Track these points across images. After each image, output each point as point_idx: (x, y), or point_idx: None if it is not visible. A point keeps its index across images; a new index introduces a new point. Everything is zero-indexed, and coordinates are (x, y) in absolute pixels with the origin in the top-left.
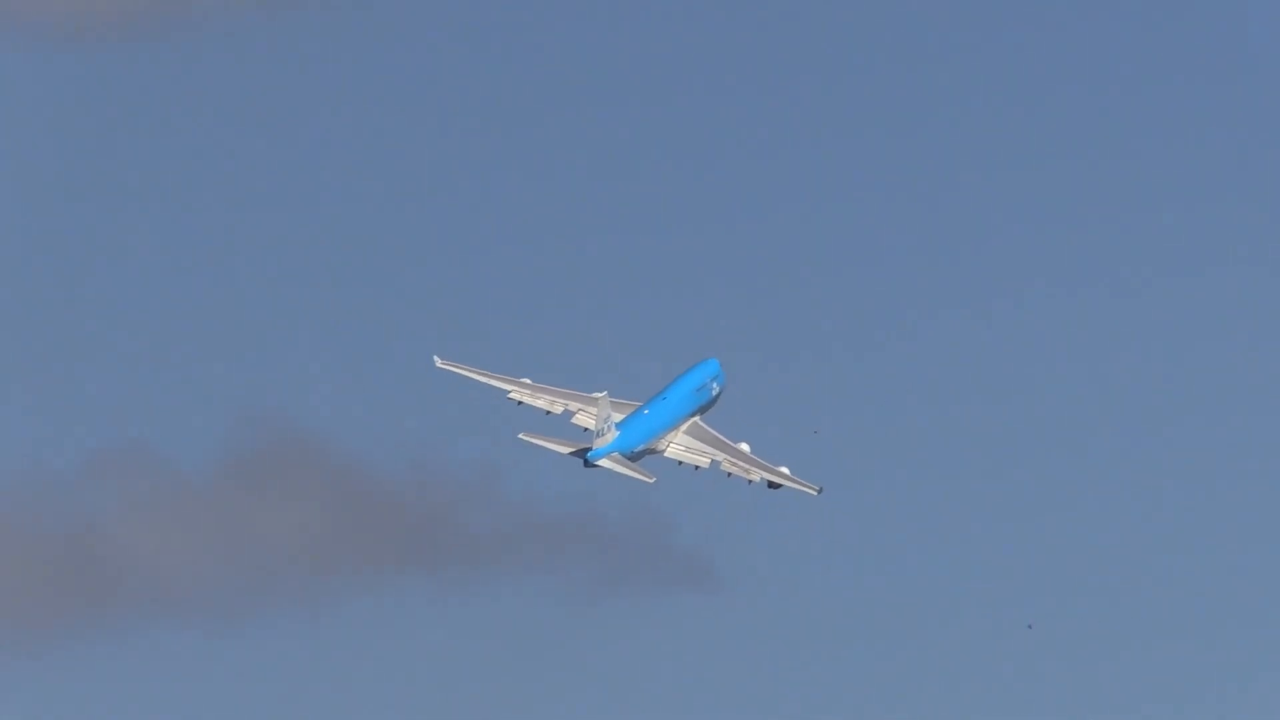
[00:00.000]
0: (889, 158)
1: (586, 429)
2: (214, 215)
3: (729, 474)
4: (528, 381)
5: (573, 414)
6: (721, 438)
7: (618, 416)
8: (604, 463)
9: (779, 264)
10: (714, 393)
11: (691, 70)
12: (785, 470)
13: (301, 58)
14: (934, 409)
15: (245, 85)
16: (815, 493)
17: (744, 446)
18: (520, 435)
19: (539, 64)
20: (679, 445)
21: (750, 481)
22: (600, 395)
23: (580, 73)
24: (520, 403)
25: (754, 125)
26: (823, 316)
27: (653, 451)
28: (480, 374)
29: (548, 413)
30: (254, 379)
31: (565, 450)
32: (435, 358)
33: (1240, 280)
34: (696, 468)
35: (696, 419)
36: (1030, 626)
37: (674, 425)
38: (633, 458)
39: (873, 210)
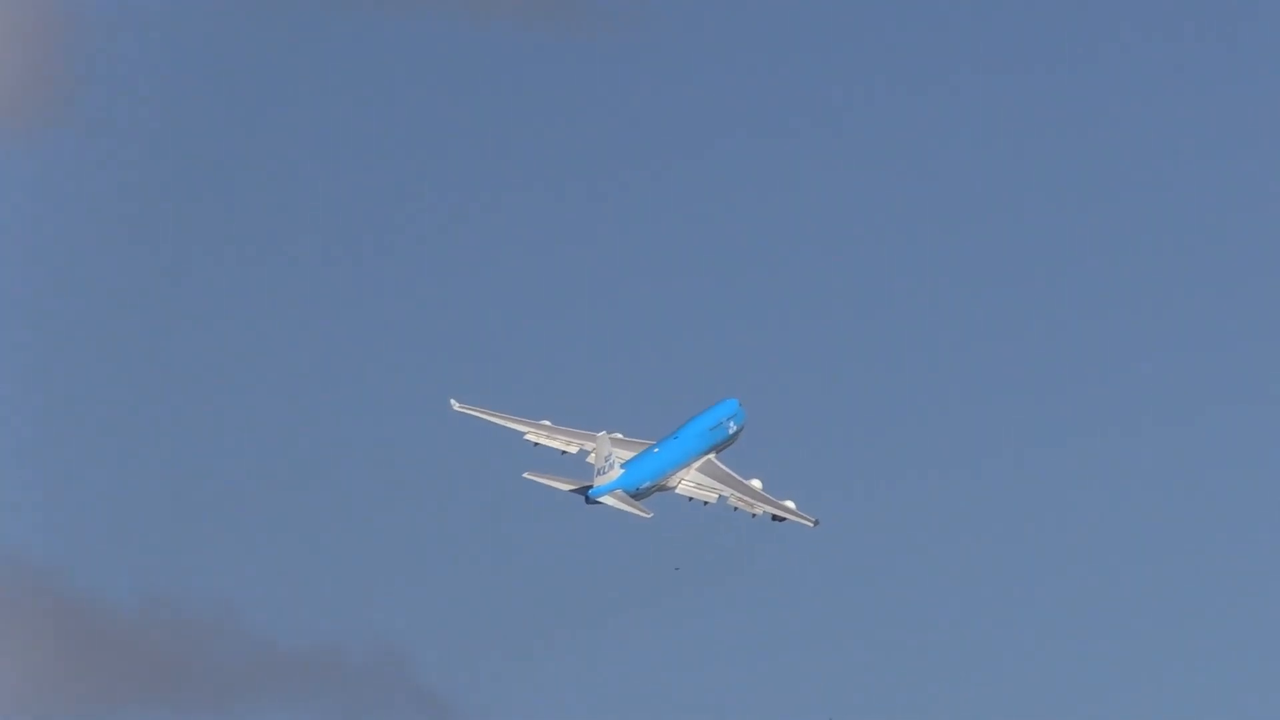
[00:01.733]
0: (912, 188)
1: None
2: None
3: (735, 508)
4: (547, 423)
5: (588, 454)
6: (733, 474)
7: (628, 454)
8: (605, 500)
9: (809, 303)
10: (730, 431)
11: (714, 113)
12: (790, 504)
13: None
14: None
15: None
16: (812, 525)
17: (755, 483)
18: (525, 474)
19: (560, 111)
20: (690, 482)
21: (754, 516)
22: (601, 435)
23: (600, 118)
24: (536, 444)
25: (781, 160)
26: (847, 357)
27: (664, 488)
28: (498, 416)
29: (563, 453)
30: None
31: (568, 488)
32: (452, 401)
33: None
34: (705, 503)
35: (711, 456)
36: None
37: (686, 463)
38: (640, 494)
39: (895, 248)
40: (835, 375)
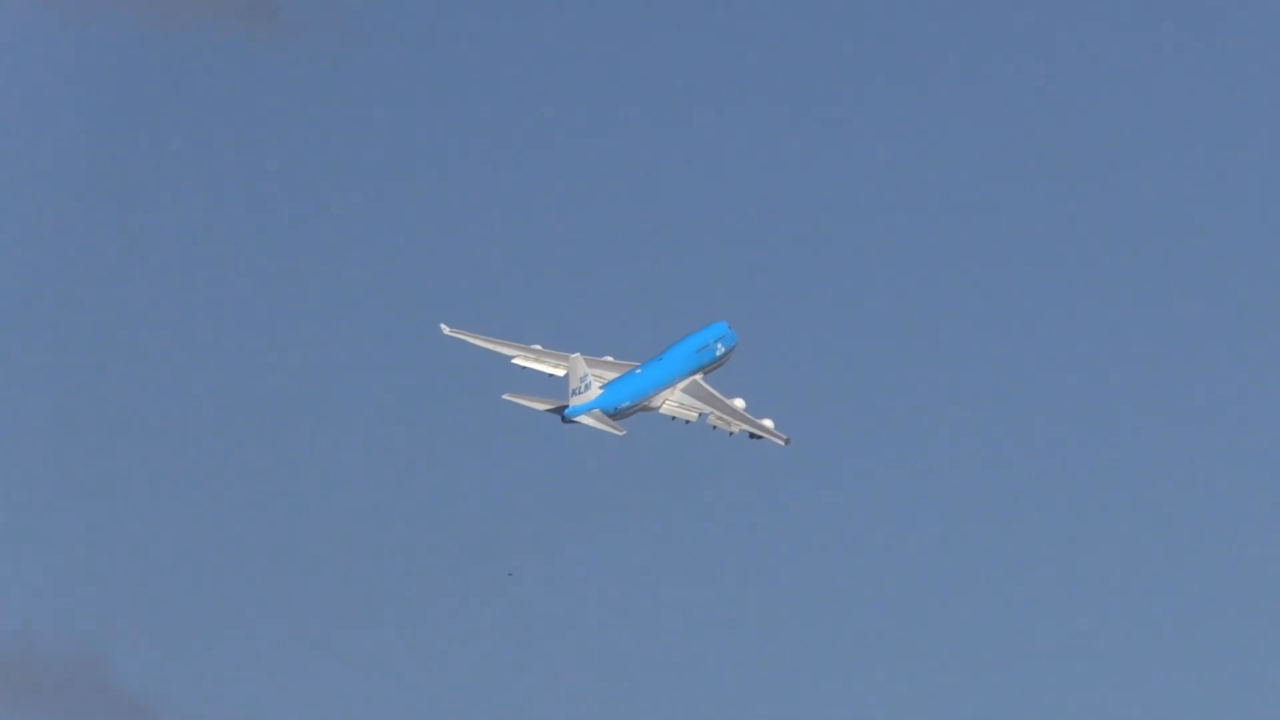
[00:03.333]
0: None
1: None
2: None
3: (714, 427)
4: (538, 347)
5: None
6: (716, 395)
7: (612, 375)
8: (581, 419)
9: (816, 231)
10: (718, 353)
11: (696, 62)
12: (768, 423)
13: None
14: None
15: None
16: (784, 443)
17: (738, 403)
18: (504, 395)
19: (545, 50)
20: (674, 402)
21: (731, 434)
22: (574, 356)
23: (585, 56)
24: (525, 367)
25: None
26: (846, 286)
27: (647, 408)
28: (488, 340)
29: (550, 376)
30: None
31: (545, 408)
32: (442, 325)
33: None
34: (687, 422)
35: (697, 378)
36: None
37: (670, 383)
38: (621, 414)
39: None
40: (835, 301)
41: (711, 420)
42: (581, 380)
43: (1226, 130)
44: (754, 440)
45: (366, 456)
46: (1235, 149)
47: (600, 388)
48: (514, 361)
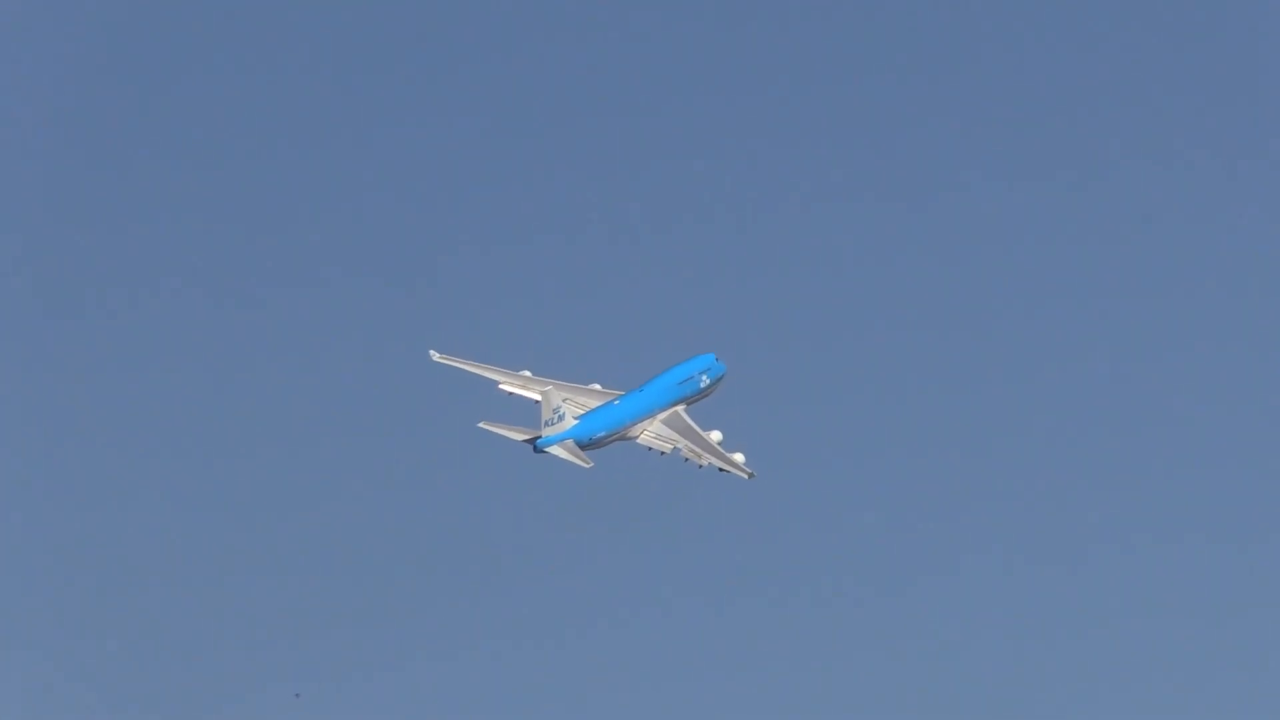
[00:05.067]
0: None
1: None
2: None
3: (686, 459)
4: (526, 373)
5: (563, 402)
6: (694, 427)
7: (594, 403)
8: (553, 449)
9: (805, 264)
10: (703, 385)
11: (687, 73)
12: (739, 457)
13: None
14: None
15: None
16: (747, 477)
17: (715, 435)
18: (480, 424)
19: (536, 68)
20: (651, 433)
21: (700, 466)
22: (547, 388)
23: (576, 77)
24: (511, 394)
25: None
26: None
27: (625, 438)
28: (477, 366)
29: (536, 402)
30: None
31: (520, 438)
32: (432, 352)
33: None
34: (662, 453)
35: (679, 409)
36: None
37: (649, 414)
38: (596, 444)
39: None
40: (830, 337)
41: (684, 453)
42: (554, 412)
43: (1226, 130)
44: (722, 473)
45: (333, 482)
46: (1235, 148)
47: (575, 418)
48: (500, 387)
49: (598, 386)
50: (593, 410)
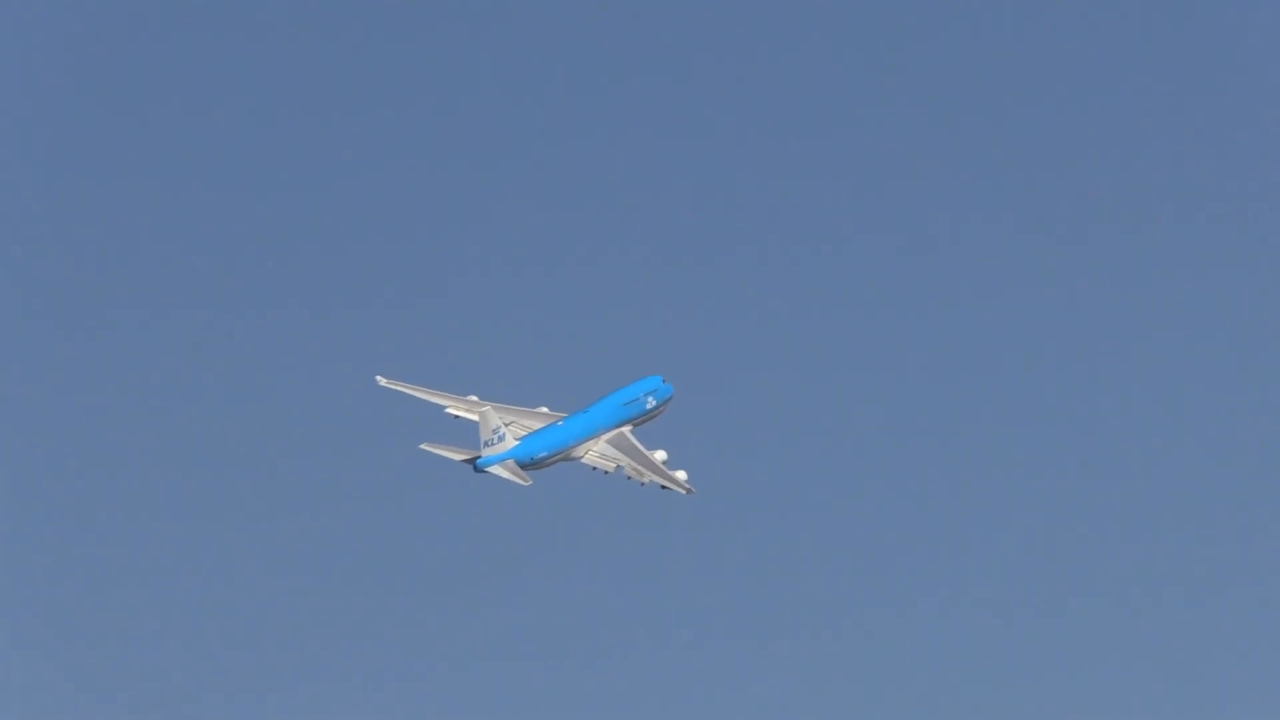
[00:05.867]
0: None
1: (514, 437)
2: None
3: (628, 478)
4: (473, 398)
5: (506, 425)
6: (639, 446)
7: (538, 425)
8: (493, 469)
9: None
10: (649, 406)
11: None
12: (681, 475)
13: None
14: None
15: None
16: (686, 493)
17: (659, 454)
18: (421, 445)
19: (483, 94)
20: (596, 452)
21: (643, 484)
22: (485, 409)
23: (524, 100)
24: (457, 417)
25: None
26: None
27: (569, 458)
28: (423, 391)
29: (476, 422)
30: None
31: (460, 458)
32: (378, 377)
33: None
34: (605, 472)
35: (625, 430)
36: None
37: (594, 435)
38: (539, 464)
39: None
40: (785, 355)
41: (628, 471)
42: (494, 432)
43: (1227, 130)
44: (664, 491)
45: (275, 506)
46: (1235, 149)
47: (517, 439)
48: (447, 411)
49: (545, 410)
50: (536, 431)
